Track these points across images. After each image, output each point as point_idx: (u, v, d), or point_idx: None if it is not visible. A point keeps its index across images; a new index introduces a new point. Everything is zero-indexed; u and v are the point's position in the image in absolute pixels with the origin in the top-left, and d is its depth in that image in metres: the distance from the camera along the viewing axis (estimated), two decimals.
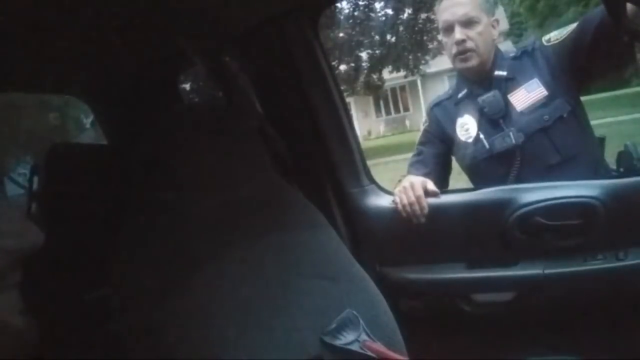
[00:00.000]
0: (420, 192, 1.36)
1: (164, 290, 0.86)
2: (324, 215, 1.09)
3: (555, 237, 1.23)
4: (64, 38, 0.97)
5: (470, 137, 1.53)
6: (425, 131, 1.65)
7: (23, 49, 0.96)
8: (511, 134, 1.44)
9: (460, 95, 1.57)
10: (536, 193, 1.26)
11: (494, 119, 1.48)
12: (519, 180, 1.40)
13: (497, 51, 1.53)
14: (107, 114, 1.48)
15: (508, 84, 1.48)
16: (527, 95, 1.45)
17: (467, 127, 1.54)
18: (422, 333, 1.12)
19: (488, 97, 1.47)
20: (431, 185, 1.39)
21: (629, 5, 0.89)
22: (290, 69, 1.35)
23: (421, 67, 14.43)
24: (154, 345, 0.82)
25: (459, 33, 1.47)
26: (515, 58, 1.52)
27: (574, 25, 1.41)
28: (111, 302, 0.88)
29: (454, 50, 1.49)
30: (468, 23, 1.47)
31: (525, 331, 1.28)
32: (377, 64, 14.03)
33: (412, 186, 1.38)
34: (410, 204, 1.35)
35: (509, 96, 1.47)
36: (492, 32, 1.53)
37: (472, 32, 1.47)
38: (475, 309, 1.34)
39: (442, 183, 1.62)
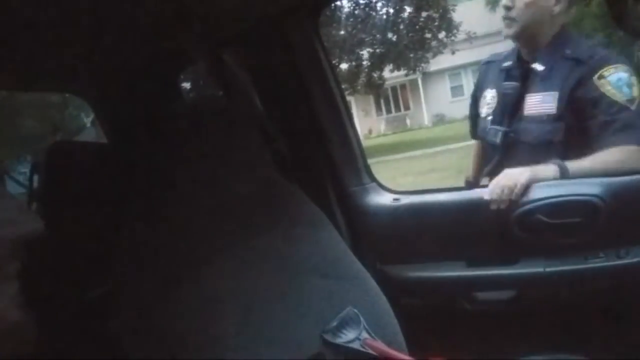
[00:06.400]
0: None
1: (164, 290, 0.86)
2: (325, 213, 1.09)
3: (557, 235, 1.23)
4: (64, 36, 0.97)
5: (485, 113, 1.54)
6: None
7: (23, 47, 0.96)
8: (500, 133, 1.44)
9: (504, 64, 1.51)
10: (537, 191, 1.25)
11: (503, 110, 1.48)
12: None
13: (558, 36, 1.40)
14: (108, 112, 1.48)
15: (535, 82, 1.42)
16: (539, 104, 1.40)
17: (487, 101, 1.54)
18: (423, 331, 1.12)
19: (512, 86, 1.45)
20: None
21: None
22: (291, 67, 1.35)
23: (422, 65, 14.41)
24: (154, 345, 0.82)
25: None
26: (565, 58, 1.39)
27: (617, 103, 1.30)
28: (111, 300, 0.88)
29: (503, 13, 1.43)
30: None
31: (526, 329, 1.28)
32: (378, 63, 14.00)
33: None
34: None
35: (526, 95, 1.43)
36: (547, 6, 1.38)
37: (519, 1, 1.39)
38: (476, 307, 1.34)
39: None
